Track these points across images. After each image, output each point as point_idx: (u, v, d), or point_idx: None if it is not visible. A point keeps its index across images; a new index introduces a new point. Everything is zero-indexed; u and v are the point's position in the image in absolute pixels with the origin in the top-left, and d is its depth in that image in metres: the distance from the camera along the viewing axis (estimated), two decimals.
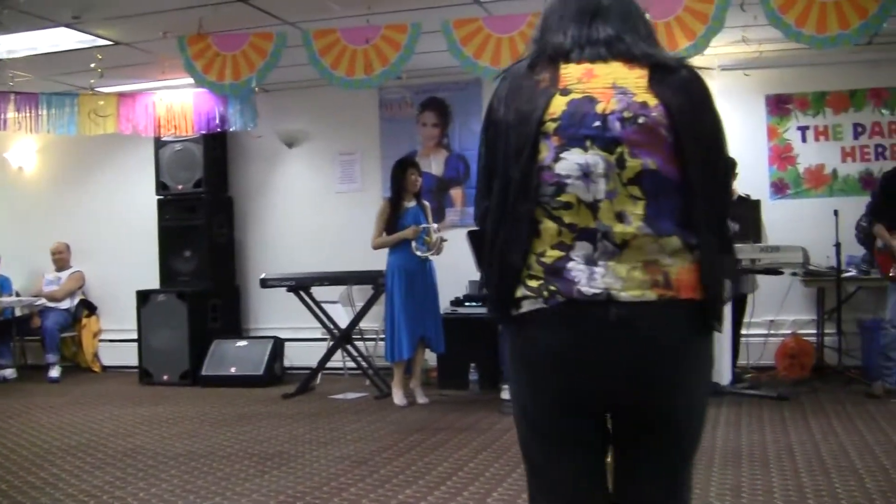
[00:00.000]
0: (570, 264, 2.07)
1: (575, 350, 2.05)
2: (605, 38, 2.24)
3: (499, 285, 2.16)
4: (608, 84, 2.16)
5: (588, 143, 2.09)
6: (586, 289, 2.03)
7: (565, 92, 2.16)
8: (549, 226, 2.10)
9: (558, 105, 2.14)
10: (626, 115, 2.11)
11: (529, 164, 2.11)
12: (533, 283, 2.10)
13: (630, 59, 2.21)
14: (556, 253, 2.09)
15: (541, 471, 2.25)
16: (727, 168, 2.36)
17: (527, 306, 2.11)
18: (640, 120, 2.10)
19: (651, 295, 2.03)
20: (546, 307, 2.07)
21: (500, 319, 2.18)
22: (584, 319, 2.04)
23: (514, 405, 2.28)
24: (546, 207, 2.11)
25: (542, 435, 2.21)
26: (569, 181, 2.09)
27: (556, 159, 2.11)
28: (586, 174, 2.08)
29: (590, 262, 2.06)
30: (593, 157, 2.08)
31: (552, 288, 2.07)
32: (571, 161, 2.09)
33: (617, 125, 2.10)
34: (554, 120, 2.12)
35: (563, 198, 2.09)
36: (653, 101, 2.13)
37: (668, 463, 2.17)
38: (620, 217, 2.07)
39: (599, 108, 2.12)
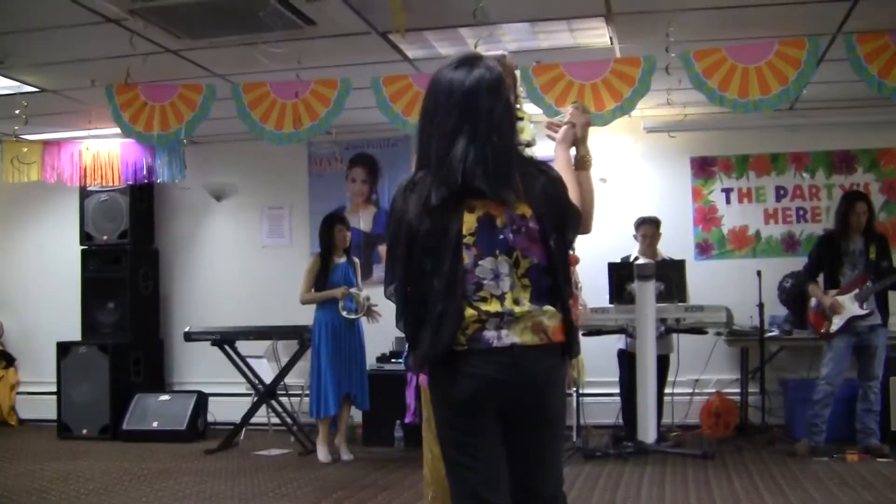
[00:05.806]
0: (485, 332, 2.82)
1: (493, 374, 2.81)
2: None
3: (434, 350, 2.82)
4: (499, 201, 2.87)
5: (497, 252, 2.85)
6: (497, 344, 2.81)
7: (471, 209, 2.84)
8: (470, 312, 2.81)
9: (470, 222, 2.83)
10: (514, 227, 2.86)
11: (455, 267, 2.80)
12: (459, 349, 2.81)
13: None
14: (475, 326, 2.82)
15: (462, 465, 2.89)
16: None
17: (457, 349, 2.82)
18: (523, 230, 2.86)
19: (538, 341, 2.85)
20: (472, 349, 2.81)
21: (431, 368, 2.91)
22: (498, 356, 2.82)
23: (442, 428, 2.97)
24: (469, 299, 2.82)
25: (466, 433, 2.88)
26: (485, 282, 2.84)
27: (475, 265, 2.84)
28: (497, 276, 2.84)
29: (498, 328, 2.82)
30: (501, 263, 2.85)
31: (476, 346, 2.81)
32: (486, 267, 2.84)
33: (511, 236, 2.86)
34: (472, 234, 2.83)
35: (481, 294, 2.84)
36: (528, 212, 2.87)
37: (549, 443, 2.97)
38: (517, 301, 2.85)
39: (499, 222, 2.85)
